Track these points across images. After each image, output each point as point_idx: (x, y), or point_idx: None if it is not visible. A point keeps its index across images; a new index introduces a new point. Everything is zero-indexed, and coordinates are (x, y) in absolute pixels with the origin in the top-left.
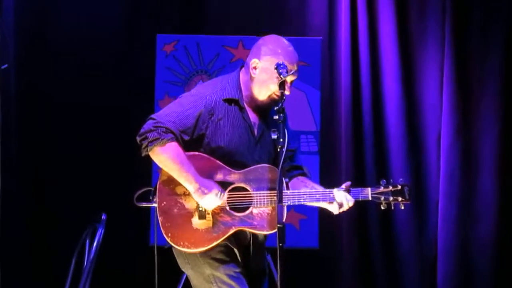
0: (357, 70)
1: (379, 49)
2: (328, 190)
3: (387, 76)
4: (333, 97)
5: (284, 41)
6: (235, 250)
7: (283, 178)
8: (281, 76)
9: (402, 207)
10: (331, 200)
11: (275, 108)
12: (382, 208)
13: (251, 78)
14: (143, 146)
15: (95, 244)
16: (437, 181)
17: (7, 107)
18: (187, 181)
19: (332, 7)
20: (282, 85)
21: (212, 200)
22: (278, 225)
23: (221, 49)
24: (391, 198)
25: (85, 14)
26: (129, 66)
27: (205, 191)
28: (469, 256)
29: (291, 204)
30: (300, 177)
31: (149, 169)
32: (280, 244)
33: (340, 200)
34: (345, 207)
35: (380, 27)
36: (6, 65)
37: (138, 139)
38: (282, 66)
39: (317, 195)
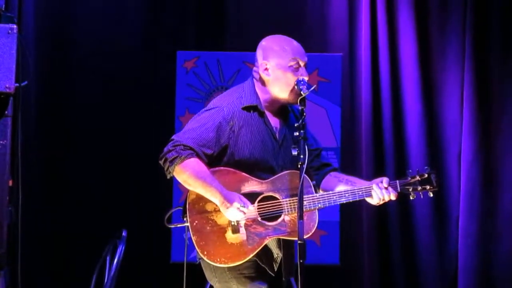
0: (378, 86)
1: (400, 65)
2: (364, 187)
3: (407, 92)
4: (354, 113)
5: (286, 37)
6: (265, 267)
7: (311, 181)
8: (302, 92)
9: (431, 195)
10: (368, 195)
11: (296, 125)
12: (411, 198)
13: (266, 81)
14: (165, 168)
15: (115, 261)
16: (458, 197)
17: (27, 124)
18: (213, 196)
19: (353, 23)
20: (302, 101)
21: (235, 212)
22: (299, 242)
23: (241, 65)
24: (419, 188)
25: (105, 31)
26: (150, 82)
27: (227, 204)
28: (490, 272)
29: (327, 205)
30: (333, 173)
31: (170, 186)
32: (301, 261)
33: (379, 196)
34: (385, 199)
35: (400, 43)
36: (26, 82)
37: (160, 162)
38: (302, 82)
39: (354, 193)
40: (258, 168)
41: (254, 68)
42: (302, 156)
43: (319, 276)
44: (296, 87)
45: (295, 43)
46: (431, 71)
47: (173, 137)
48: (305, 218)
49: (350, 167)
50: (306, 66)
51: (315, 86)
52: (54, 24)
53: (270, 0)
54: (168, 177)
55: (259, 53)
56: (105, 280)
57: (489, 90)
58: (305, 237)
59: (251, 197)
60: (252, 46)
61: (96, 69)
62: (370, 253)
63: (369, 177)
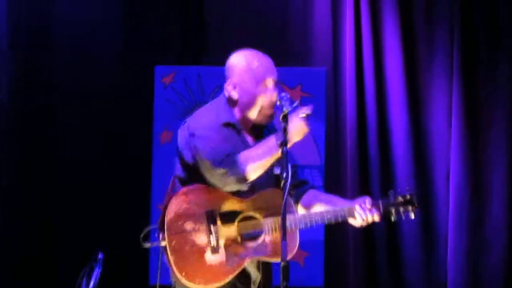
0: (363, 101)
1: (385, 78)
2: (347, 207)
3: (393, 106)
4: (338, 129)
5: (254, 53)
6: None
7: (291, 199)
8: (284, 108)
9: (413, 216)
10: (351, 216)
11: (278, 142)
12: (392, 219)
13: (234, 101)
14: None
15: (91, 284)
16: (446, 212)
17: (1, 137)
18: (275, 148)
19: (337, 36)
20: (285, 118)
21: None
22: (282, 263)
23: (222, 80)
24: (401, 209)
25: (81, 44)
26: (127, 98)
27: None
28: (479, 285)
29: (309, 226)
30: (311, 191)
31: (147, 205)
32: (285, 283)
33: (361, 217)
34: (369, 220)
35: (386, 56)
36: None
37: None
38: (284, 98)
39: (337, 214)
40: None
41: (225, 85)
42: (285, 174)
43: None
44: (263, 109)
45: (264, 60)
46: (418, 84)
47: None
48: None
49: (334, 185)
50: (275, 83)
51: (298, 101)
52: (29, 37)
53: (251, 13)
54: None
55: (227, 70)
56: None
57: (477, 102)
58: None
59: (231, 216)
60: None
61: (71, 84)
62: (356, 272)
63: (355, 195)
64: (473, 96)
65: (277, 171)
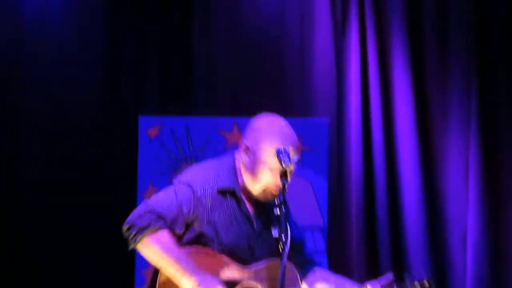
0: (370, 155)
1: (395, 130)
2: (358, 285)
3: (404, 163)
4: (343, 187)
5: (281, 122)
6: None
7: (297, 272)
8: (283, 164)
9: None
10: None
11: (276, 202)
12: None
13: (243, 166)
14: (131, 236)
15: None
16: (463, 282)
17: None
18: (184, 276)
19: (341, 84)
20: (284, 175)
21: None
22: None
23: (212, 133)
24: None
25: (57, 93)
26: (107, 153)
27: None
28: None
29: None
30: (317, 270)
31: (131, 268)
32: None
33: None
34: None
35: (395, 105)
36: None
37: (124, 227)
38: (284, 152)
39: None
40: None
41: (240, 143)
42: (284, 238)
43: None
44: (268, 189)
45: (288, 131)
46: (431, 137)
47: (144, 202)
48: None
49: (338, 250)
50: (298, 160)
51: (298, 157)
52: (2, 87)
53: (244, 55)
54: (131, 247)
55: (247, 132)
56: None
57: (497, 158)
58: None
59: (229, 285)
60: (224, 110)
61: (46, 135)
62: None
63: (361, 262)
64: (493, 150)
65: (275, 233)
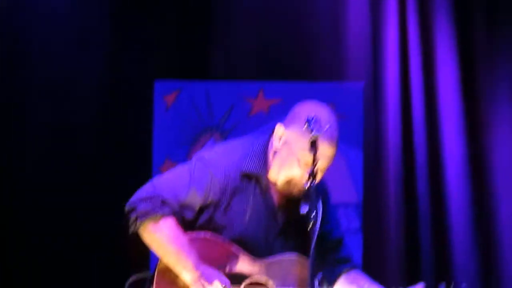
0: (409, 124)
1: (437, 98)
2: None
3: (447, 133)
4: (379, 159)
5: (325, 111)
6: None
7: (317, 277)
8: (313, 133)
9: None
10: None
11: (305, 175)
12: None
13: (273, 150)
14: (131, 220)
15: None
16: None
17: None
18: (185, 269)
19: (377, 43)
20: (313, 145)
21: None
22: None
23: (236, 99)
24: None
25: (64, 59)
26: (119, 123)
27: (204, 283)
28: None
29: None
30: (352, 274)
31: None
32: None
33: None
34: None
35: (438, 71)
36: None
37: (126, 208)
38: (314, 121)
39: None
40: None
41: (278, 126)
42: (314, 214)
43: None
44: (293, 181)
45: (328, 125)
46: (477, 104)
47: (152, 182)
48: None
49: (375, 228)
50: (334, 150)
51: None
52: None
53: (269, 14)
54: (131, 231)
55: (290, 112)
56: None
57: None
58: None
59: (236, 279)
60: (248, 73)
61: (50, 108)
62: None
63: (399, 241)
64: None
65: (304, 209)
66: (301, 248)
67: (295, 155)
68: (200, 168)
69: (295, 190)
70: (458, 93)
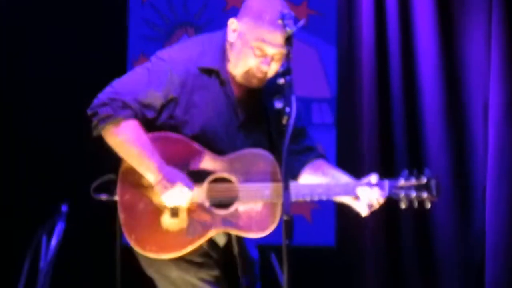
0: (383, 19)
1: None
2: (351, 182)
3: (420, 28)
4: (353, 54)
5: (275, 4)
6: (213, 253)
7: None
8: (287, 28)
9: (428, 206)
10: (354, 195)
11: (280, 70)
12: (402, 207)
13: (229, 44)
14: (94, 124)
15: (53, 242)
16: (484, 163)
17: None
18: (148, 170)
19: None
20: (288, 40)
21: (175, 195)
22: (285, 217)
23: None
24: (413, 194)
25: None
26: (94, 18)
27: (166, 184)
28: None
29: (301, 200)
30: (317, 161)
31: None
32: (287, 241)
33: (365, 197)
34: (375, 206)
35: None
36: None
37: (88, 113)
38: (287, 16)
39: (336, 189)
40: (207, 147)
41: (231, 20)
42: (288, 110)
43: (309, 260)
44: (251, 71)
45: (277, 23)
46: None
47: (112, 85)
48: (263, 210)
49: (348, 122)
50: (274, 58)
51: (304, 20)
52: None
53: None
54: (95, 134)
55: (242, 5)
56: (41, 265)
57: None
58: (257, 235)
59: (200, 176)
60: None
61: None
62: (374, 233)
63: (372, 134)
64: None
65: (278, 105)
66: (261, 143)
67: (249, 46)
68: (158, 66)
69: (254, 81)
70: None
